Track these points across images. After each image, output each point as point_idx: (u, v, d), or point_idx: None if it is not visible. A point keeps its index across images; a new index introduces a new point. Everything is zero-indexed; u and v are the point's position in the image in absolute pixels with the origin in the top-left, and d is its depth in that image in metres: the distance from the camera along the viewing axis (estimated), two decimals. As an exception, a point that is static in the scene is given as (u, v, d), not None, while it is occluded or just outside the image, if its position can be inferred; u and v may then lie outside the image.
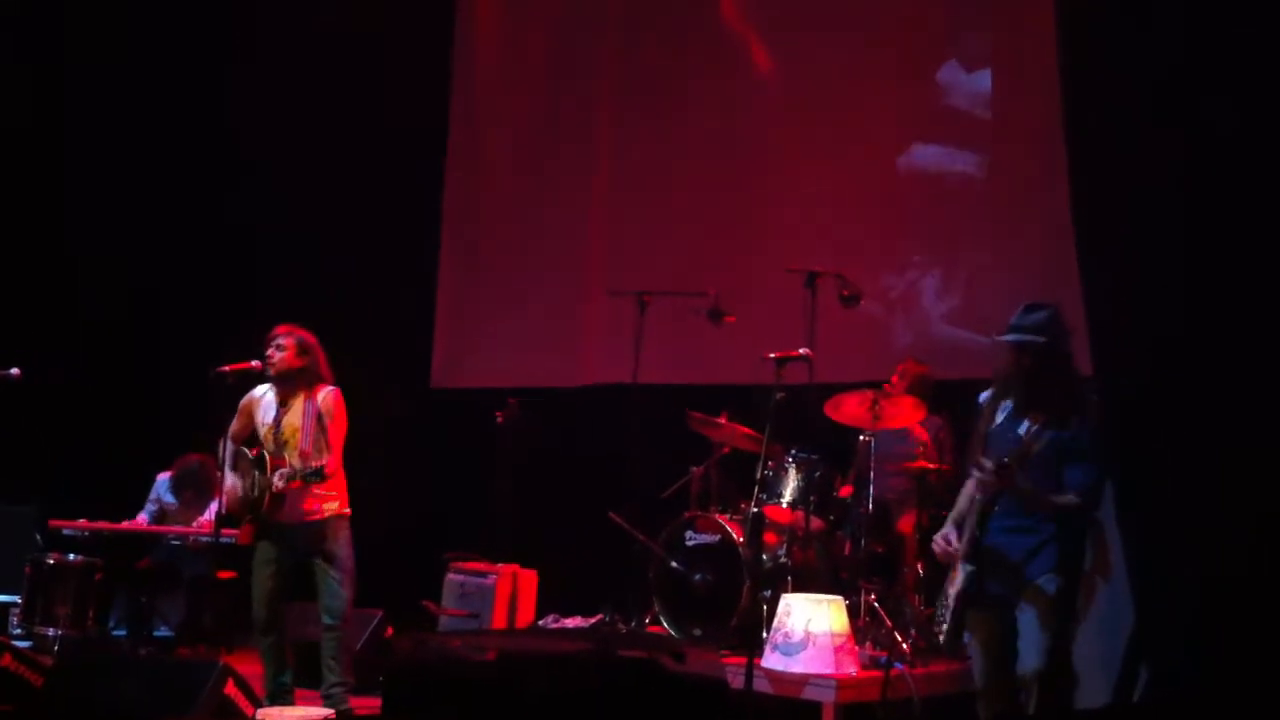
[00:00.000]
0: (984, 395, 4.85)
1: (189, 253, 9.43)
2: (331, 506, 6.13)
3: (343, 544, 6.13)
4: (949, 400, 6.69)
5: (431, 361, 9.97)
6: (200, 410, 6.61)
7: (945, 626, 4.71)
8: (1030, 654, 4.56)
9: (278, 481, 5.97)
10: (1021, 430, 4.51)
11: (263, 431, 6.21)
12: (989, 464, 4.51)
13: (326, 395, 6.17)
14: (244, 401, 6.32)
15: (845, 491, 6.94)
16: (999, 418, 4.73)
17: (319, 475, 5.92)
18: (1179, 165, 4.69)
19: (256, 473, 6.09)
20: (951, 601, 4.66)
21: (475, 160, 10.03)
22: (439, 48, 10.09)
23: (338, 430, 6.13)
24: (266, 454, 6.10)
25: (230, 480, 6.19)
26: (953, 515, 4.84)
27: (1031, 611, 4.58)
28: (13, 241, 9.14)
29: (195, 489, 8.03)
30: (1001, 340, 4.71)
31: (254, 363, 6.17)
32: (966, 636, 4.74)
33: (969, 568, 4.62)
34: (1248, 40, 4.65)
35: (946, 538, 4.76)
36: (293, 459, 6.03)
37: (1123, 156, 4.67)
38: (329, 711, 6.05)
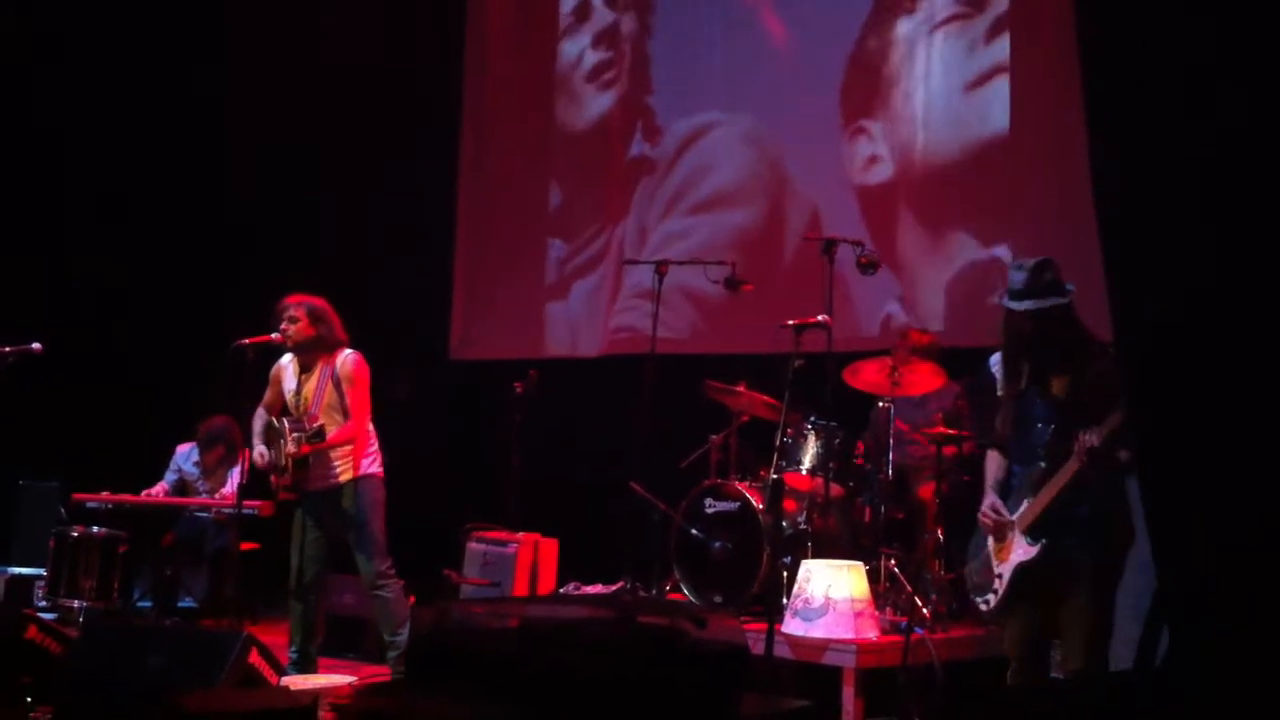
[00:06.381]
0: (994, 360, 4.73)
1: (206, 224, 9.43)
2: (347, 472, 6.15)
3: (365, 507, 6.15)
4: (968, 367, 6.64)
5: (450, 333, 9.98)
6: (221, 383, 6.64)
7: (996, 597, 4.63)
8: (1082, 619, 4.52)
9: (289, 446, 6.03)
10: (1042, 406, 4.53)
11: (288, 399, 6.27)
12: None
13: (346, 360, 6.19)
14: (273, 370, 6.39)
15: (861, 448, 6.90)
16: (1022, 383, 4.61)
17: (320, 436, 5.98)
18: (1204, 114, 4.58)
19: (281, 441, 6.14)
20: (1009, 573, 4.58)
21: (489, 131, 10.00)
22: (454, 15, 10.05)
23: (357, 395, 6.16)
24: (287, 422, 6.13)
25: (259, 449, 6.23)
26: (990, 483, 4.73)
27: (1084, 578, 4.52)
28: (26, 214, 9.15)
29: (226, 444, 8.02)
30: (1024, 308, 4.51)
31: (273, 335, 6.20)
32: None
33: (1040, 541, 4.53)
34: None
35: (995, 508, 4.66)
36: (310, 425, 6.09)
37: (1143, 105, 4.56)
38: (350, 678, 6.12)
